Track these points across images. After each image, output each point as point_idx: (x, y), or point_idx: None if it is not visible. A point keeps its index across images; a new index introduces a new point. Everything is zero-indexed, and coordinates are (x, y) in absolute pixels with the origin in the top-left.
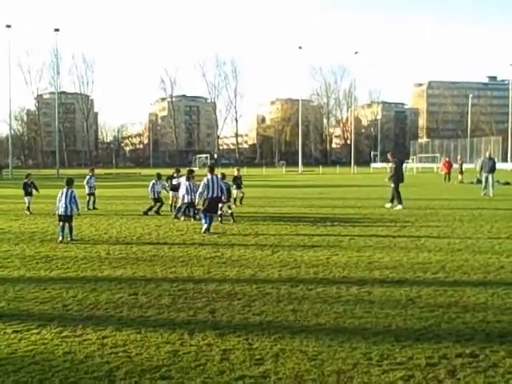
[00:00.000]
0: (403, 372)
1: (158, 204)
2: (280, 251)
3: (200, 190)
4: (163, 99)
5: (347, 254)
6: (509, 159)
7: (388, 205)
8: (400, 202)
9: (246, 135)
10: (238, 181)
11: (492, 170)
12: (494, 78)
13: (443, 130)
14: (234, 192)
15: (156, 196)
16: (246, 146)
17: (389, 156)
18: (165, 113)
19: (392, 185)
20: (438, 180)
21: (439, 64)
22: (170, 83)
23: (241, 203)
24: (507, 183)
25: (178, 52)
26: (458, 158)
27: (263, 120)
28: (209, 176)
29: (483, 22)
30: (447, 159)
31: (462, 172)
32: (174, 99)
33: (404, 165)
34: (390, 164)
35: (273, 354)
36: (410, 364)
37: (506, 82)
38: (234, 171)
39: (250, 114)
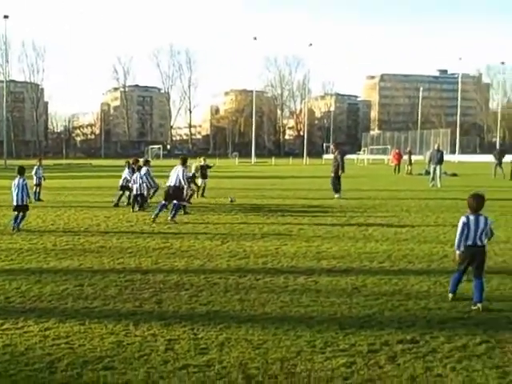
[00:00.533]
0: (345, 359)
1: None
2: (230, 241)
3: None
4: (116, 89)
5: (296, 244)
6: (457, 151)
7: (336, 195)
8: (338, 192)
9: (200, 126)
10: (203, 170)
11: (440, 161)
12: (445, 71)
13: (395, 122)
14: (199, 181)
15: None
16: (199, 136)
17: (332, 147)
18: (117, 103)
19: (332, 174)
20: (388, 171)
21: (391, 57)
22: (123, 72)
23: (203, 195)
24: (454, 174)
25: (132, 41)
26: (407, 149)
27: (217, 111)
28: (179, 167)
29: (434, 16)
30: (397, 151)
31: (410, 163)
32: (126, 89)
33: (346, 156)
34: (335, 154)
35: (218, 344)
36: (352, 351)
37: (456, 76)
38: (201, 160)
39: (203, 104)
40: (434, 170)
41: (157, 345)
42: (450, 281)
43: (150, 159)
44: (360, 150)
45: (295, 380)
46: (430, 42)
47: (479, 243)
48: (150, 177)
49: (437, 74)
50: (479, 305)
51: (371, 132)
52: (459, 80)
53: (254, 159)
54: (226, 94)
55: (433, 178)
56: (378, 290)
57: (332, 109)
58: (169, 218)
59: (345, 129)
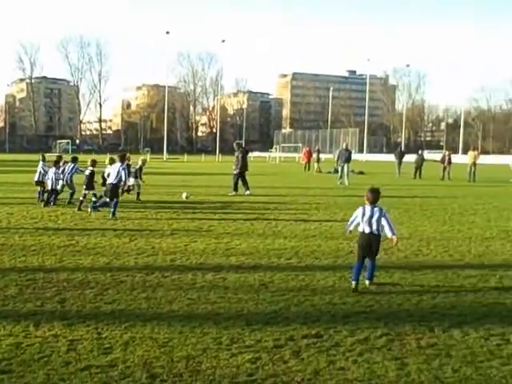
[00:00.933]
0: (251, 355)
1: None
2: (138, 239)
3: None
4: (22, 80)
5: (206, 240)
6: (365, 150)
7: (247, 192)
8: (248, 188)
9: (111, 121)
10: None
11: (348, 160)
12: (354, 72)
13: (306, 121)
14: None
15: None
16: (109, 131)
17: (234, 146)
18: (23, 94)
19: (234, 172)
20: (298, 169)
21: (303, 56)
22: (30, 63)
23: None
24: (361, 173)
25: (39, 31)
26: (316, 147)
27: (128, 105)
28: (118, 164)
29: (344, 18)
30: (307, 149)
31: (318, 161)
32: (33, 81)
33: (249, 154)
34: (236, 153)
35: (122, 343)
36: (258, 347)
37: (364, 77)
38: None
39: (114, 98)
40: (342, 168)
41: (58, 346)
42: (353, 270)
43: (76, 156)
44: (272, 148)
45: (200, 377)
46: (340, 43)
47: (375, 232)
48: (73, 174)
49: (346, 74)
50: (367, 281)
51: (283, 130)
52: (367, 81)
53: (166, 155)
54: (138, 88)
55: (341, 176)
56: (285, 286)
57: (245, 106)
58: (110, 215)
59: (257, 126)
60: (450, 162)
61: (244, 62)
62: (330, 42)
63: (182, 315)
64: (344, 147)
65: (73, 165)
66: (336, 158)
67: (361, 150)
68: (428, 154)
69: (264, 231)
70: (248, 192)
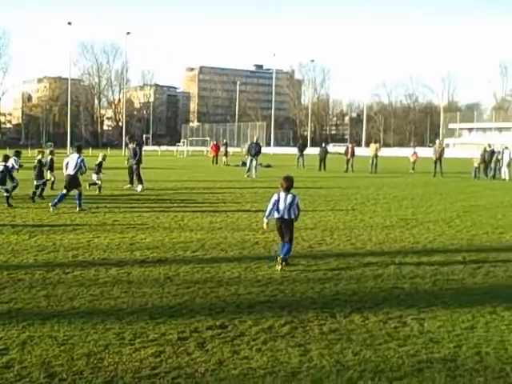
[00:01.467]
0: (155, 348)
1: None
2: (38, 235)
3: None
4: None
5: (109, 235)
6: (272, 143)
7: (139, 187)
8: (141, 183)
9: (10, 114)
10: (51, 163)
11: (257, 153)
12: (261, 66)
13: (213, 115)
14: (48, 175)
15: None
16: (9, 125)
17: (127, 140)
18: None
19: (130, 164)
20: (206, 163)
21: (211, 50)
22: None
23: (52, 188)
24: (269, 166)
25: None
26: (224, 141)
27: (29, 98)
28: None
29: (252, 14)
30: (215, 142)
31: (226, 155)
32: None
33: (144, 147)
34: (130, 146)
35: (19, 343)
36: (162, 340)
37: (271, 71)
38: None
39: (14, 91)
40: (251, 161)
41: None
42: (279, 247)
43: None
44: (180, 142)
45: (101, 374)
46: (246, 37)
47: (286, 217)
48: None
49: (253, 68)
50: (280, 259)
51: (191, 124)
52: (273, 75)
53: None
54: (40, 80)
55: (249, 169)
56: (191, 279)
57: (151, 100)
58: (77, 209)
59: (165, 120)
60: (353, 155)
61: (150, 55)
62: (237, 37)
63: (83, 312)
64: (254, 141)
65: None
66: (246, 151)
67: (268, 144)
68: (333, 147)
69: (170, 225)
70: (140, 187)
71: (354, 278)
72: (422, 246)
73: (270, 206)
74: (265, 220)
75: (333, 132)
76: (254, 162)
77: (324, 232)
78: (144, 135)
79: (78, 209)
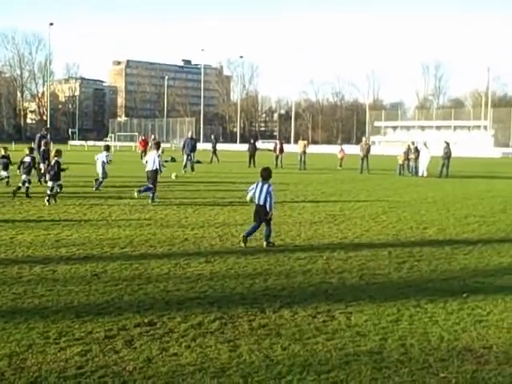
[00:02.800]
0: (81, 347)
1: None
2: None
3: None
4: None
5: (34, 232)
6: (201, 139)
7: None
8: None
9: None
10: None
11: (193, 149)
12: (189, 61)
13: (142, 110)
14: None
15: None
16: None
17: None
18: None
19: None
20: (135, 158)
21: (138, 44)
22: None
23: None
24: (198, 161)
25: None
26: (152, 136)
27: None
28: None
29: (180, 8)
30: (144, 138)
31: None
32: None
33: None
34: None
35: None
36: (88, 339)
37: (199, 67)
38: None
39: None
40: (188, 156)
41: None
42: (250, 227)
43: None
44: (107, 137)
45: (24, 375)
46: (175, 32)
47: (261, 203)
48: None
49: (181, 63)
50: (265, 242)
51: (119, 119)
52: (202, 71)
53: None
54: None
55: (185, 165)
56: (118, 276)
57: (77, 93)
58: (149, 201)
59: (91, 114)
60: (281, 151)
61: (75, 47)
62: (165, 31)
63: (5, 311)
64: (189, 136)
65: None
66: (182, 147)
67: (197, 140)
68: (262, 144)
69: (97, 221)
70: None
71: (283, 273)
72: (349, 241)
73: (249, 190)
74: (249, 195)
75: (262, 128)
76: (191, 158)
77: None
78: (70, 130)
79: (150, 201)
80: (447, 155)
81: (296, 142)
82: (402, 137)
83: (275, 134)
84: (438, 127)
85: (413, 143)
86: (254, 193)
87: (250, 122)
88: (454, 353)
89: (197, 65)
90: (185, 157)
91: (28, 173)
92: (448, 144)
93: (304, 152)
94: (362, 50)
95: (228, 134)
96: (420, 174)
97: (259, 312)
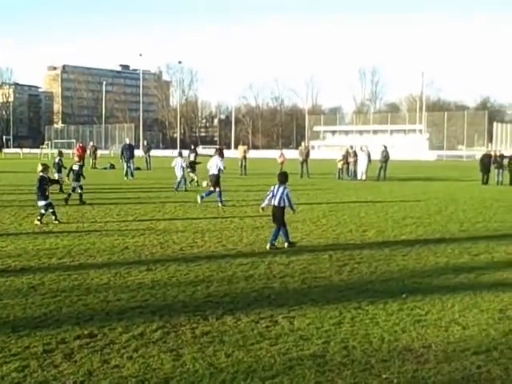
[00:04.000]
0: (18, 363)
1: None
2: None
3: None
4: None
5: None
6: (141, 146)
7: None
8: None
9: None
10: None
11: (132, 155)
12: (127, 66)
13: (79, 116)
14: None
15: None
16: None
17: None
18: None
19: None
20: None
21: (74, 49)
22: None
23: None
24: (138, 168)
25: None
26: (91, 143)
27: None
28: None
29: (116, 13)
30: (81, 144)
31: (95, 158)
32: None
33: None
34: None
35: None
36: (25, 353)
37: (138, 72)
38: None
39: None
40: (127, 163)
41: None
42: (272, 233)
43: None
44: (43, 144)
45: None
46: (111, 37)
47: (277, 204)
48: None
49: (119, 68)
50: (286, 243)
51: (55, 125)
52: (141, 76)
53: None
54: None
55: (126, 173)
56: (57, 287)
57: (11, 99)
58: (219, 204)
59: (26, 121)
60: (222, 156)
61: (8, 52)
62: (102, 36)
63: None
64: (127, 143)
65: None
66: (120, 154)
67: (137, 146)
68: (202, 149)
69: (33, 231)
70: None
71: (226, 279)
72: None
73: (267, 194)
74: (261, 206)
75: (202, 134)
76: (131, 164)
77: (195, 234)
78: (4, 137)
79: (220, 204)
80: (385, 158)
81: (236, 147)
82: (341, 141)
83: (216, 139)
84: (375, 131)
85: (351, 147)
86: (272, 197)
87: (190, 127)
88: (394, 353)
89: (135, 70)
90: (124, 164)
91: None
92: (386, 147)
93: (244, 157)
94: (301, 55)
95: (168, 140)
96: (359, 177)
97: (202, 319)
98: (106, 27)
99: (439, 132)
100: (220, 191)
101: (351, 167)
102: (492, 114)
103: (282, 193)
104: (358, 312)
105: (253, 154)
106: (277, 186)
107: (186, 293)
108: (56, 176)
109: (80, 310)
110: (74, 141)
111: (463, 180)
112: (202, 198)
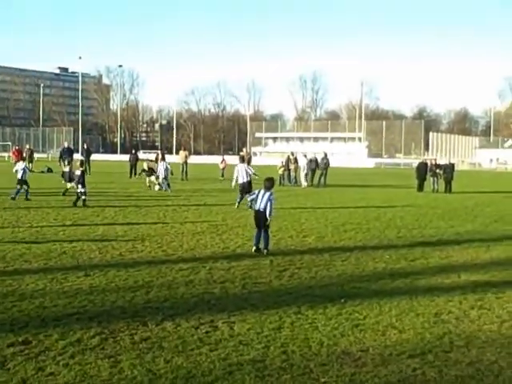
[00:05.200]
0: None
1: None
2: None
3: None
4: None
5: None
6: (80, 150)
7: None
8: None
9: None
10: None
11: (71, 159)
12: (66, 69)
13: (15, 118)
14: None
15: None
16: None
17: None
18: None
19: None
20: (8, 169)
21: (8, 49)
22: None
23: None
24: (50, 170)
25: None
26: (27, 146)
27: None
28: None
29: (54, 14)
30: (17, 147)
31: (31, 161)
32: None
33: None
34: None
35: None
36: None
37: (77, 75)
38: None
39: None
40: (67, 166)
41: None
42: (253, 237)
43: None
44: None
45: None
46: (49, 38)
47: (261, 209)
48: None
49: (58, 71)
50: (265, 250)
51: None
52: (80, 79)
53: None
54: None
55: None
56: None
57: None
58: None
59: None
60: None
61: None
62: (39, 37)
63: None
64: (66, 146)
65: None
66: (58, 157)
67: (77, 150)
68: (143, 154)
69: None
70: None
71: (166, 284)
72: (231, 250)
73: (249, 198)
74: (249, 199)
75: (143, 139)
76: (68, 168)
77: (135, 239)
78: None
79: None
80: (326, 165)
81: (177, 152)
82: (282, 148)
83: (157, 144)
84: (316, 139)
85: (292, 154)
86: (256, 199)
87: (131, 131)
88: (333, 357)
89: (74, 73)
90: (67, 168)
91: None
92: (326, 154)
93: (185, 162)
94: (242, 60)
95: (109, 144)
96: (304, 184)
97: (141, 325)
98: (44, 28)
99: (378, 140)
100: (242, 196)
101: (292, 173)
102: (428, 123)
103: (268, 198)
104: (297, 317)
105: (194, 159)
106: (262, 191)
107: (125, 298)
108: None
109: (14, 317)
110: (10, 143)
111: (400, 187)
112: (238, 203)
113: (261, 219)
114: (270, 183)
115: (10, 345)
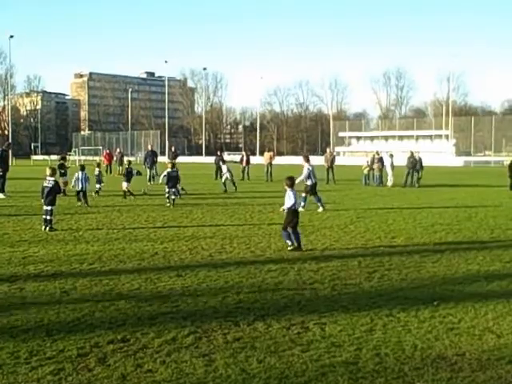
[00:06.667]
0: (53, 366)
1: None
2: None
3: None
4: None
5: None
6: (166, 152)
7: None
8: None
9: None
10: None
11: (154, 162)
12: (152, 74)
13: (105, 123)
14: None
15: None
16: None
17: None
18: None
19: None
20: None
21: (100, 56)
22: None
23: None
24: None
25: None
26: (117, 150)
27: None
28: None
29: (140, 20)
30: (108, 151)
31: (121, 164)
32: None
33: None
34: None
35: None
36: (60, 357)
37: (163, 79)
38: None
39: None
40: (150, 169)
41: None
42: (283, 236)
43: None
44: (71, 151)
45: None
46: (136, 44)
47: (285, 208)
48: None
49: (145, 75)
50: (291, 246)
51: (82, 132)
52: (166, 83)
53: None
54: None
55: (149, 179)
56: (89, 292)
57: (39, 107)
58: (319, 210)
59: (54, 128)
60: (248, 163)
61: (36, 60)
62: (127, 43)
63: None
64: (150, 149)
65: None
66: (143, 160)
67: (163, 153)
68: (228, 156)
69: (64, 237)
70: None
71: (256, 285)
72: (319, 251)
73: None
74: (283, 208)
75: (227, 140)
76: (154, 171)
77: (223, 240)
78: (32, 144)
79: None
80: (412, 165)
81: (261, 153)
82: (366, 147)
83: (240, 145)
84: (401, 137)
85: (377, 153)
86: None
87: (215, 134)
88: (428, 361)
89: (160, 77)
90: (148, 170)
91: None
92: (412, 153)
93: (270, 163)
94: (325, 59)
95: (193, 147)
96: (389, 183)
97: (233, 325)
98: (132, 34)
99: (466, 137)
100: (306, 197)
101: (377, 173)
102: None
103: (288, 196)
104: (389, 319)
105: (278, 160)
106: (288, 190)
107: (217, 298)
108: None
109: (112, 315)
110: (101, 147)
111: (492, 186)
112: (303, 206)
113: (286, 217)
114: (288, 181)
115: (109, 342)
